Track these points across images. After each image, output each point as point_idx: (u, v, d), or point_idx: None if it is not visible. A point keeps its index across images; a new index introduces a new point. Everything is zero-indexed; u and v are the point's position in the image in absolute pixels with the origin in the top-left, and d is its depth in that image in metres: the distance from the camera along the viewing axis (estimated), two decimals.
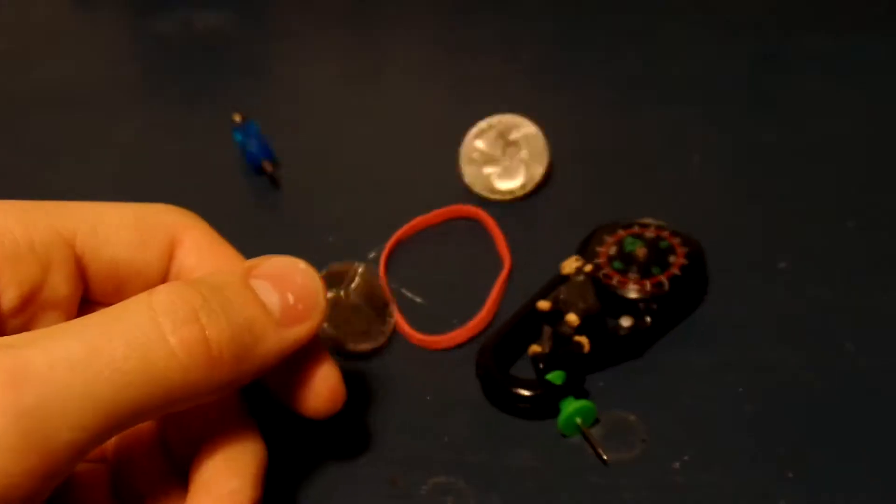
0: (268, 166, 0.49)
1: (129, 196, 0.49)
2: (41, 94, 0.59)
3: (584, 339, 0.36)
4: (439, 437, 0.36)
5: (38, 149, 0.54)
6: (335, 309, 0.37)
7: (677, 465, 0.35)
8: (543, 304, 0.37)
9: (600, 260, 0.41)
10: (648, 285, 0.40)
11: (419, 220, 0.47)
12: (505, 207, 0.48)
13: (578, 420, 0.36)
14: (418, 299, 0.43)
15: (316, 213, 0.48)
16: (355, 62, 0.63)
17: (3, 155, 0.53)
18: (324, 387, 0.32)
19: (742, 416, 0.37)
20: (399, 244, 0.46)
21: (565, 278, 0.38)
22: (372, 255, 0.45)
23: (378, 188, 0.50)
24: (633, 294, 0.40)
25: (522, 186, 0.48)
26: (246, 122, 0.53)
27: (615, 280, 0.40)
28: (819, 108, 0.56)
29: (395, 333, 0.41)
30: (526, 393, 0.36)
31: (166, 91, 0.59)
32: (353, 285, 0.38)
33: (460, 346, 0.40)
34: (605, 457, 0.35)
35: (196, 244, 0.33)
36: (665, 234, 0.42)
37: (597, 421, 0.36)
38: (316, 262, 0.45)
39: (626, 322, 0.38)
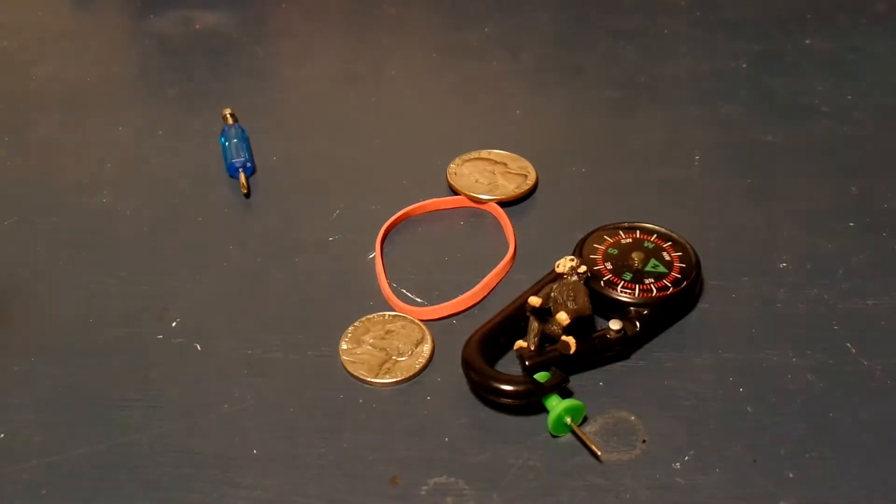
0: (242, 180, 0.49)
1: (128, 196, 0.50)
2: (41, 94, 0.59)
3: (570, 340, 0.36)
4: (439, 436, 0.36)
5: (37, 148, 0.54)
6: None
7: (678, 465, 0.35)
8: (534, 300, 0.37)
9: (596, 262, 0.41)
10: (640, 291, 0.40)
11: (430, 203, 0.48)
12: (504, 206, 0.48)
13: (568, 419, 0.36)
14: (416, 284, 0.43)
15: (314, 212, 0.48)
16: (355, 62, 0.63)
17: (3, 155, 0.53)
18: None
19: (743, 417, 0.37)
20: (404, 232, 0.46)
21: (559, 277, 0.38)
22: (371, 255, 0.45)
23: (378, 188, 0.50)
24: (624, 298, 0.40)
25: (517, 187, 0.49)
26: (234, 126, 0.52)
27: (608, 283, 0.40)
28: (819, 107, 0.56)
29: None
30: (507, 388, 0.36)
31: (166, 91, 0.59)
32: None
33: (444, 318, 0.41)
34: (598, 453, 0.35)
35: None
36: (661, 241, 0.42)
37: (585, 419, 0.37)
38: (316, 261, 0.45)
39: (615, 326, 0.38)
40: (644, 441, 0.36)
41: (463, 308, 0.42)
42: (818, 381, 0.38)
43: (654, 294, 0.40)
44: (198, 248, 0.46)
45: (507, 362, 0.39)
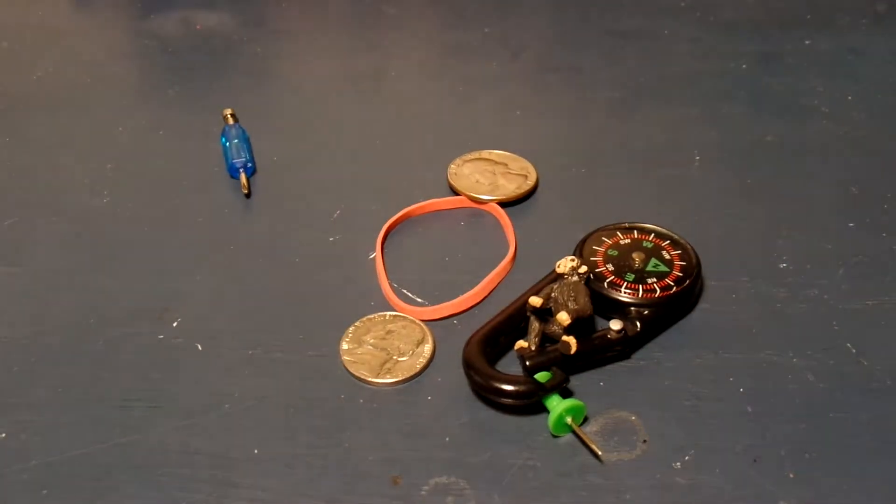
0: (243, 180, 0.49)
1: (127, 196, 0.50)
2: (41, 94, 0.59)
3: (571, 340, 0.36)
4: (440, 436, 0.36)
5: (38, 148, 0.54)
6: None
7: (678, 465, 0.35)
8: (535, 301, 0.37)
9: (597, 265, 0.41)
10: (644, 291, 0.40)
11: (431, 203, 0.48)
12: (505, 206, 0.48)
13: (569, 419, 0.36)
14: (417, 284, 0.43)
15: (315, 212, 0.48)
16: (355, 62, 0.63)
17: (4, 154, 0.53)
18: None
19: (743, 417, 0.37)
20: (404, 232, 0.46)
21: (559, 277, 0.38)
22: (372, 255, 0.45)
23: (378, 189, 0.50)
24: (625, 298, 0.40)
25: (518, 187, 0.49)
26: (234, 126, 0.52)
27: (611, 284, 0.40)
28: (819, 108, 0.56)
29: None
30: (508, 388, 0.36)
31: (167, 91, 0.59)
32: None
33: (445, 319, 0.41)
34: (599, 453, 0.35)
35: None
36: (660, 240, 0.42)
37: (586, 419, 0.37)
38: (317, 261, 0.45)
39: (615, 326, 0.38)
40: (644, 441, 0.36)
41: (464, 308, 0.42)
42: (818, 381, 0.38)
43: (657, 293, 0.40)
44: (199, 248, 0.46)
45: (507, 362, 0.39)
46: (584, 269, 0.38)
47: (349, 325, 0.41)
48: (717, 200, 0.49)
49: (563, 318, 0.36)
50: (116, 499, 0.34)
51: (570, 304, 0.37)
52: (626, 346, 0.39)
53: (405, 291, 0.43)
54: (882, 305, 0.42)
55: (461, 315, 0.42)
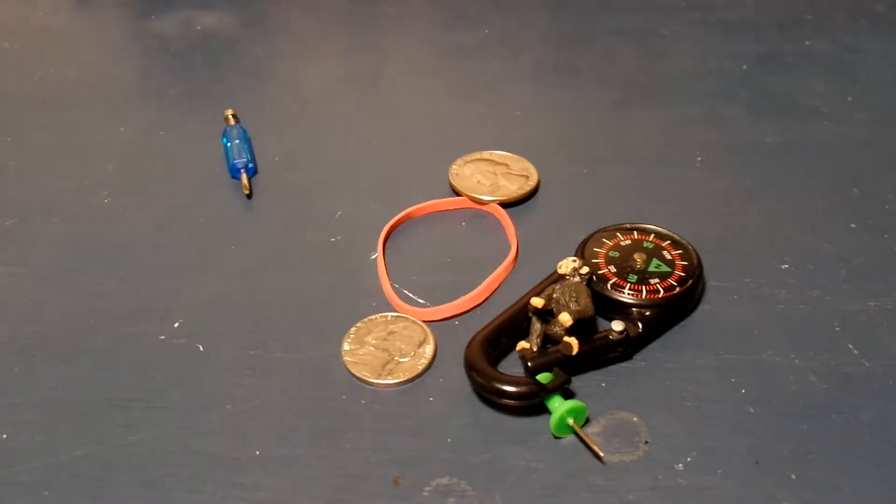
0: (244, 180, 0.49)
1: (130, 196, 0.50)
2: (41, 94, 0.59)
3: (573, 341, 0.36)
4: (442, 437, 0.36)
5: (38, 148, 0.54)
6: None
7: (680, 466, 0.35)
8: (536, 301, 0.37)
9: (599, 266, 0.41)
10: (643, 292, 0.40)
11: (432, 204, 0.48)
12: (506, 207, 0.48)
13: (571, 420, 0.36)
14: (418, 285, 0.43)
15: (316, 212, 0.48)
16: (355, 62, 0.63)
17: (4, 154, 0.53)
18: None
19: (745, 418, 0.37)
20: (406, 233, 0.46)
21: (561, 278, 0.38)
22: (373, 256, 0.45)
23: (380, 189, 0.50)
24: (627, 300, 0.40)
25: (519, 187, 0.49)
26: (235, 127, 0.52)
27: (615, 286, 0.40)
28: (819, 109, 0.56)
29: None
30: (510, 389, 0.36)
31: (166, 91, 0.59)
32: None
33: (447, 319, 0.41)
34: (601, 454, 0.35)
35: None
36: (660, 240, 0.42)
37: (587, 420, 0.37)
38: (318, 262, 0.45)
39: (617, 327, 0.38)
40: (646, 442, 0.36)
41: (465, 309, 0.42)
42: (820, 382, 0.38)
43: (661, 294, 0.40)
44: (200, 248, 0.46)
45: (509, 363, 0.39)
46: (585, 269, 0.38)
47: (351, 326, 0.41)
48: (718, 201, 0.49)
49: (565, 318, 0.36)
50: (117, 499, 0.34)
51: (572, 305, 0.37)
52: (627, 347, 0.39)
53: (406, 292, 0.43)
54: (884, 306, 0.42)
55: (463, 316, 0.42)
